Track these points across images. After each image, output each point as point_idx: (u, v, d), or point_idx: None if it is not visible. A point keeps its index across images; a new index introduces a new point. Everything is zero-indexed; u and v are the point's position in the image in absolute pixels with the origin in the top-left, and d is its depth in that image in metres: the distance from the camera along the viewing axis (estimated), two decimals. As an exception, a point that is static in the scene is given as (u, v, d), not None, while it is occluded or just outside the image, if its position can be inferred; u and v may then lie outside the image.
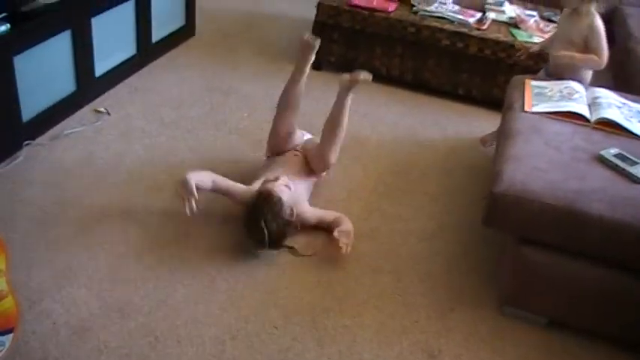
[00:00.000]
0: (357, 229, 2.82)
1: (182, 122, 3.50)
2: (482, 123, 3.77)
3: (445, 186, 3.24)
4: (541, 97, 2.94)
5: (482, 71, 3.90)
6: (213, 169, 2.82)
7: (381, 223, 2.92)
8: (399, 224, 2.93)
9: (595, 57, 3.09)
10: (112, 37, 3.67)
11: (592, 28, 3.09)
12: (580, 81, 3.18)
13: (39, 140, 3.22)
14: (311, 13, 4.18)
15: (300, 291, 2.48)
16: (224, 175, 2.79)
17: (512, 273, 2.45)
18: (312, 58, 3.10)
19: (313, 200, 2.96)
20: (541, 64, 3.66)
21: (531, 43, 3.80)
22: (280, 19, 5.01)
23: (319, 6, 4.07)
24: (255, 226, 2.54)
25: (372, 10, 3.99)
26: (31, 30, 3.05)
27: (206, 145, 3.31)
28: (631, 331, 2.37)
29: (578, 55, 3.14)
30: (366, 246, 2.78)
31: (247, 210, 2.62)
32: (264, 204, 2.57)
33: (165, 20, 4.14)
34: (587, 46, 3.11)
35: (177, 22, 4.33)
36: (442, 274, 2.68)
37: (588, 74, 3.25)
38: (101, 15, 3.50)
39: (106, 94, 3.67)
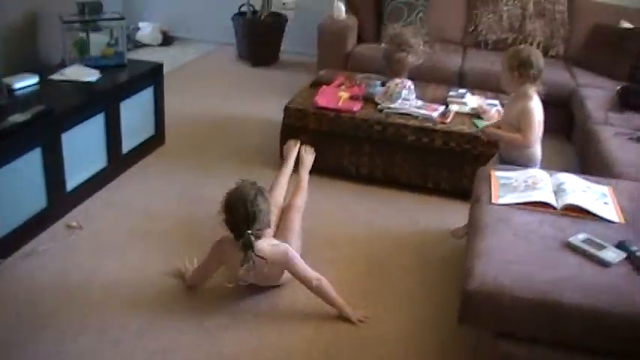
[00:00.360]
0: (336, 332, 2.81)
1: (154, 234, 3.50)
2: (453, 214, 3.81)
3: (420, 282, 3.24)
4: (507, 187, 3.00)
5: (449, 163, 3.97)
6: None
7: (359, 326, 2.91)
8: (375, 324, 2.92)
9: (519, 136, 3.27)
10: (83, 150, 3.70)
11: (523, 109, 3.25)
12: (529, 160, 3.33)
13: (11, 259, 3.19)
14: (278, 115, 4.26)
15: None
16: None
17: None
18: (295, 154, 3.82)
19: (282, 307, 2.95)
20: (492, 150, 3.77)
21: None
22: (249, 122, 5.09)
23: (286, 109, 4.15)
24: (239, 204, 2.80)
25: (338, 110, 4.08)
26: (1, 149, 3.08)
27: (179, 255, 3.30)
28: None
29: (503, 133, 3.38)
30: (345, 347, 2.76)
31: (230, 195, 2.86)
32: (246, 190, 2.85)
33: (134, 131, 4.19)
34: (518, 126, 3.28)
35: (147, 131, 4.39)
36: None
37: (536, 153, 3.37)
38: (71, 130, 3.55)
39: (77, 208, 3.67)
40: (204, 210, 3.72)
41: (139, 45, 6.90)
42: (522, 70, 3.23)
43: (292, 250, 2.95)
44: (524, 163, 3.31)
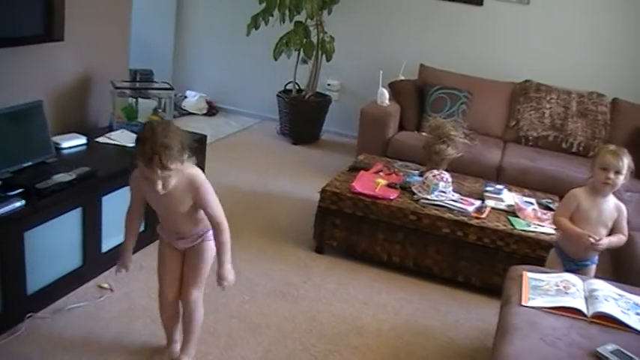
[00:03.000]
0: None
1: (184, 301, 3.52)
2: (481, 310, 3.79)
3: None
4: (537, 290, 2.98)
5: (482, 259, 3.97)
6: (209, 351, 2.83)
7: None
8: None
9: (623, 237, 3.39)
10: (121, 213, 3.75)
11: (620, 208, 3.40)
12: (596, 255, 3.47)
13: (41, 313, 3.24)
14: (315, 194, 4.31)
15: None
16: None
17: None
18: None
19: None
20: (538, 251, 3.76)
21: (529, 231, 3.90)
22: (285, 199, 5.15)
23: (323, 192, 4.20)
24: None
25: (375, 197, 4.12)
26: (44, 207, 3.17)
27: (205, 327, 3.31)
28: None
29: (614, 239, 3.38)
30: None
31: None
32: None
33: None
34: (615, 226, 3.39)
35: (186, 200, 4.45)
36: None
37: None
38: (112, 193, 3.63)
39: (111, 269, 3.71)
40: (234, 284, 3.75)
41: (184, 112, 7.08)
42: (632, 169, 3.35)
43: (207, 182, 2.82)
44: (591, 257, 3.47)
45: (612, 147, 3.39)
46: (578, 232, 3.36)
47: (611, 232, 3.38)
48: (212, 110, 7.32)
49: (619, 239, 3.38)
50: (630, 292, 3.06)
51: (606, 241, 3.33)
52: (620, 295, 3.01)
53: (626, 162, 3.30)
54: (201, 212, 2.80)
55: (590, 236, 3.30)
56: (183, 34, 7.42)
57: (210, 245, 2.91)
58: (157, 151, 2.47)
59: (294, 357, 3.17)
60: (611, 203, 3.38)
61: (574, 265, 3.46)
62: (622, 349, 2.55)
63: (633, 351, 2.54)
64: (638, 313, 2.88)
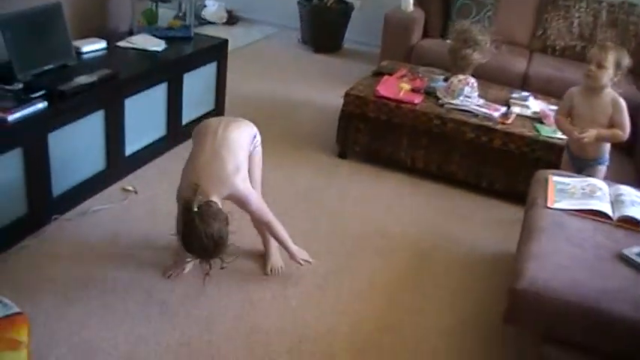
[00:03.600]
0: (378, 321, 2.83)
1: (207, 205, 3.54)
2: (503, 215, 3.78)
3: (466, 281, 3.22)
4: (563, 193, 2.96)
5: (506, 165, 3.94)
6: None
7: (403, 316, 2.91)
8: (420, 317, 2.92)
9: (619, 131, 3.29)
10: (144, 117, 3.76)
11: (616, 102, 3.30)
12: (604, 154, 3.43)
13: (67, 216, 3.28)
14: (337, 102, 4.27)
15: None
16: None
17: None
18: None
19: (329, 291, 2.98)
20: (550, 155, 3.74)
21: (555, 137, 3.85)
22: (306, 106, 5.12)
23: (347, 96, 4.15)
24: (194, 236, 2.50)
25: (399, 101, 4.07)
26: (67, 109, 3.16)
27: (231, 228, 3.32)
28: None
29: (606, 131, 3.32)
30: (387, 339, 2.76)
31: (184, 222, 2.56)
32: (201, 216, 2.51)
33: (195, 104, 4.24)
34: (612, 122, 3.31)
35: (207, 106, 4.43)
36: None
37: (607, 148, 3.45)
38: (134, 96, 3.61)
39: (134, 173, 3.75)
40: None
41: (203, 22, 6.97)
42: (623, 67, 3.28)
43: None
44: (599, 157, 3.43)
45: (606, 43, 3.41)
46: (568, 129, 3.42)
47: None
48: (232, 19, 7.20)
49: (612, 133, 3.31)
50: (656, 197, 3.04)
51: (593, 133, 3.27)
52: (646, 199, 2.98)
53: (612, 57, 3.24)
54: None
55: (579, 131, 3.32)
56: (202, -60, 7.25)
57: None
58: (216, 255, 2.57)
59: (317, 256, 3.17)
60: (606, 99, 3.32)
61: (580, 163, 3.46)
62: (647, 251, 2.54)
63: (658, 253, 2.54)
64: (663, 218, 2.86)
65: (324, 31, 6.54)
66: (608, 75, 3.25)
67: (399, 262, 3.29)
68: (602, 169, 3.46)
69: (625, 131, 3.29)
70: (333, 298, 2.96)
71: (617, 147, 4.87)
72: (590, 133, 3.28)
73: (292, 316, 2.81)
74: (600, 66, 3.23)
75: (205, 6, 7.13)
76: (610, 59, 3.23)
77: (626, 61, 3.29)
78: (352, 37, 6.75)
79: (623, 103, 3.30)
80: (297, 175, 4.00)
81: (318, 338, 2.71)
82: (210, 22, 7.04)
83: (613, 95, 3.32)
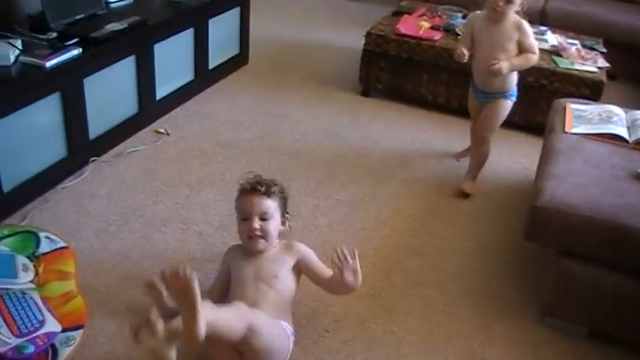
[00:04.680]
0: (403, 245, 2.98)
1: (237, 144, 3.69)
2: (523, 147, 3.89)
3: (488, 207, 3.36)
4: (581, 119, 3.06)
5: (525, 98, 3.99)
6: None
7: (427, 240, 3.06)
8: (444, 241, 3.06)
9: (531, 55, 3.20)
10: (172, 62, 3.89)
11: (520, 25, 3.17)
12: (512, 83, 3.30)
13: (104, 157, 3.43)
14: (357, 42, 4.37)
15: (349, 300, 2.59)
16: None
17: (553, 285, 2.54)
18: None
19: (355, 219, 3.12)
20: (582, 89, 3.80)
21: (574, 69, 3.93)
22: (328, 48, 5.22)
23: (368, 35, 4.25)
24: None
25: (419, 39, 4.16)
26: (100, 54, 3.27)
27: (260, 164, 3.47)
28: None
29: (519, 59, 3.20)
30: (412, 261, 2.91)
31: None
32: None
33: (221, 48, 4.36)
34: (520, 46, 3.19)
35: (233, 50, 4.56)
36: (485, 288, 2.79)
37: (515, 80, 3.32)
38: (163, 42, 3.73)
39: (165, 116, 3.88)
40: (284, 125, 3.92)
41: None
42: None
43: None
44: (507, 90, 3.30)
45: None
46: (462, 50, 3.25)
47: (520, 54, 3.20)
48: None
49: (525, 59, 3.19)
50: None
51: (505, 64, 3.13)
52: (663, 125, 3.07)
53: None
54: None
55: (491, 64, 3.13)
56: None
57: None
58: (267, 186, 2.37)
59: (343, 187, 3.35)
60: (509, 24, 3.16)
61: (485, 97, 3.35)
62: (662, 171, 2.65)
63: (673, 172, 2.65)
64: (679, 142, 2.96)
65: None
66: (515, 7, 3.11)
67: (423, 190, 3.42)
68: (509, 103, 3.34)
69: (536, 52, 3.19)
70: (360, 224, 3.11)
71: (636, 77, 4.99)
72: (503, 64, 3.13)
73: (322, 241, 2.93)
74: (508, 1, 3.07)
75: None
76: None
77: None
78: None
79: (527, 24, 3.18)
80: (323, 113, 4.13)
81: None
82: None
83: (516, 19, 3.16)
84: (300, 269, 2.39)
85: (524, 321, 2.62)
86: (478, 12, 3.32)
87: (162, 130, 3.73)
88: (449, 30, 4.30)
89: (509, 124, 4.07)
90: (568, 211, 2.38)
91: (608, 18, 5.15)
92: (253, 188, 2.34)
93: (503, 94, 3.30)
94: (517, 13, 3.17)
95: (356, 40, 4.45)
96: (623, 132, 2.95)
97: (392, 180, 3.48)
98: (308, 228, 3.04)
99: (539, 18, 5.15)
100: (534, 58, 3.21)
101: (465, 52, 3.24)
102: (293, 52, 5.11)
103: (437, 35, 4.20)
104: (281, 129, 3.89)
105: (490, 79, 3.23)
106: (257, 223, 2.31)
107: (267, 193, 2.34)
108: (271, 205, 2.35)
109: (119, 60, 3.43)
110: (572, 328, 2.57)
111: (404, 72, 4.23)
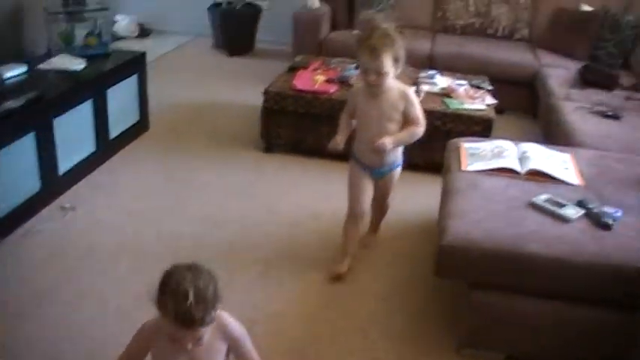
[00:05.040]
0: (323, 295, 3.07)
1: (146, 212, 3.69)
2: (425, 187, 4.03)
3: (399, 249, 3.48)
4: (475, 157, 3.22)
5: (422, 140, 4.16)
6: (178, 252, 3.04)
7: (344, 288, 3.14)
8: (360, 287, 3.15)
9: (417, 127, 3.04)
10: (73, 135, 3.87)
11: (405, 95, 3.02)
12: (397, 159, 3.20)
13: (9, 238, 3.36)
14: (257, 100, 4.44)
15: (272, 355, 2.59)
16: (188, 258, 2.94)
17: (469, 316, 2.67)
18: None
19: (270, 279, 3.16)
20: (473, 127, 3.99)
21: (464, 109, 4.14)
22: (228, 108, 5.28)
23: (266, 93, 4.34)
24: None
25: (315, 93, 4.29)
26: (-2, 134, 3.24)
27: (171, 230, 3.49)
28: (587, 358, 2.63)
29: (404, 133, 3.04)
30: (332, 311, 2.98)
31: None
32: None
33: (121, 117, 4.37)
34: (405, 117, 3.02)
35: (133, 118, 4.56)
36: (405, 328, 2.89)
37: (401, 148, 3.21)
38: (62, 115, 3.71)
39: (70, 190, 3.84)
40: (191, 189, 3.95)
41: (116, 38, 7.02)
42: (401, 57, 2.95)
43: None
44: (394, 161, 3.20)
45: (374, 38, 2.89)
46: (336, 139, 3.14)
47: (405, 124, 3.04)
48: (144, 32, 7.28)
49: (410, 134, 3.04)
50: (559, 152, 3.33)
51: (389, 140, 2.97)
52: (550, 154, 3.27)
53: (388, 59, 2.87)
54: None
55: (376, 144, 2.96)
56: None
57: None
58: (204, 311, 1.87)
59: (257, 245, 3.40)
60: (393, 94, 2.99)
61: (375, 173, 3.20)
62: (554, 198, 2.82)
63: (563, 198, 2.82)
64: (566, 168, 3.15)
65: (235, 34, 6.72)
66: (390, 76, 2.92)
67: (334, 239, 3.49)
68: (399, 171, 3.26)
69: (421, 124, 3.03)
70: (277, 280, 3.16)
71: (524, 111, 5.29)
72: (387, 140, 2.97)
73: (239, 305, 2.92)
74: (380, 74, 2.88)
75: (115, 22, 7.18)
76: (387, 63, 2.86)
77: (402, 51, 2.91)
78: (263, 37, 6.94)
79: (412, 94, 3.06)
80: (229, 173, 4.18)
81: (268, 321, 2.87)
82: (122, 37, 7.10)
83: (400, 88, 3.01)
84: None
85: (444, 355, 2.72)
86: (359, 85, 3.19)
87: (68, 206, 3.69)
88: (343, 82, 4.44)
89: (410, 165, 4.22)
90: (472, 247, 2.51)
91: (491, 56, 5.46)
92: (186, 321, 1.85)
93: (391, 166, 3.20)
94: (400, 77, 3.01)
95: (255, 97, 4.53)
96: (515, 164, 3.12)
97: (303, 233, 3.55)
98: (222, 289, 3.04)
99: (428, 62, 5.39)
100: (419, 132, 3.05)
101: (340, 140, 3.12)
102: (193, 114, 5.15)
103: (332, 88, 4.34)
104: (188, 193, 3.91)
105: (376, 156, 3.08)
106: (190, 345, 1.92)
107: (203, 324, 1.88)
108: (208, 328, 1.94)
109: (18, 138, 3.39)
110: (489, 355, 2.70)
111: (304, 126, 4.34)
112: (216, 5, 6.71)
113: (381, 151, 3.01)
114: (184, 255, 2.98)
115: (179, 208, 3.74)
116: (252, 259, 3.30)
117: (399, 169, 3.26)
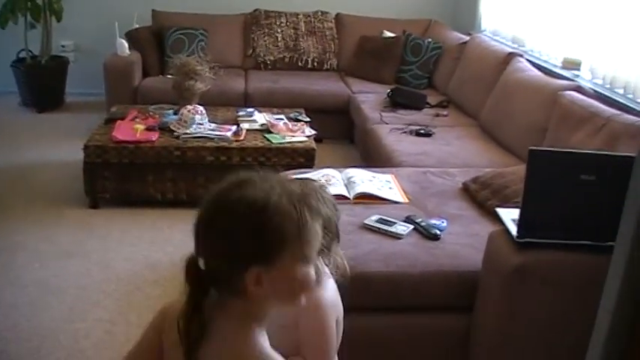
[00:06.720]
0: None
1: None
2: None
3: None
4: (305, 187, 3.32)
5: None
6: (15, 326, 2.88)
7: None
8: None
9: None
10: None
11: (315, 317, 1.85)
12: None
13: None
14: (76, 155, 4.33)
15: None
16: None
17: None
18: None
19: (118, 334, 3.08)
20: (297, 158, 4.10)
21: (286, 142, 4.27)
22: (47, 167, 5.04)
23: (86, 148, 4.22)
24: None
25: (137, 142, 4.23)
26: None
27: (5, 301, 3.30)
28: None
29: None
30: None
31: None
32: None
33: None
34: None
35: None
36: None
37: None
38: None
39: None
40: (20, 256, 3.77)
41: None
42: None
43: None
44: None
45: None
46: None
47: None
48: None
49: None
50: (381, 173, 3.51)
51: None
52: (373, 177, 3.44)
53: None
54: None
55: None
56: None
57: None
58: None
59: (99, 305, 3.29)
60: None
61: None
62: (384, 217, 2.97)
63: (392, 216, 2.98)
64: (390, 188, 3.34)
65: (43, 89, 6.46)
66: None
67: (175, 288, 3.45)
68: None
69: None
70: (124, 337, 3.07)
71: (341, 137, 5.51)
72: None
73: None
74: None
75: None
76: None
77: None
78: (74, 90, 6.69)
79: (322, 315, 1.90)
80: (56, 234, 4.01)
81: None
82: None
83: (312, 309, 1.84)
84: None
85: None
86: None
87: None
88: (164, 128, 4.42)
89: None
90: (314, 274, 2.59)
91: (304, 88, 5.67)
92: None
93: None
94: None
95: (73, 153, 4.40)
96: (343, 190, 3.26)
97: (143, 285, 3.48)
98: (73, 355, 2.96)
99: (244, 101, 5.49)
100: None
101: None
102: (11, 177, 4.86)
103: (154, 135, 4.30)
104: (18, 260, 3.70)
105: None
106: None
107: None
108: None
109: None
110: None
111: (129, 177, 4.27)
112: (20, 60, 6.44)
113: None
114: (24, 323, 2.88)
115: (8, 277, 3.54)
116: (95, 318, 3.20)
117: None
